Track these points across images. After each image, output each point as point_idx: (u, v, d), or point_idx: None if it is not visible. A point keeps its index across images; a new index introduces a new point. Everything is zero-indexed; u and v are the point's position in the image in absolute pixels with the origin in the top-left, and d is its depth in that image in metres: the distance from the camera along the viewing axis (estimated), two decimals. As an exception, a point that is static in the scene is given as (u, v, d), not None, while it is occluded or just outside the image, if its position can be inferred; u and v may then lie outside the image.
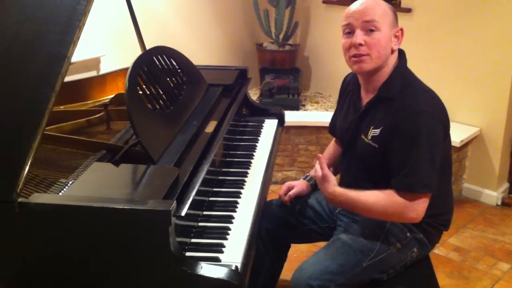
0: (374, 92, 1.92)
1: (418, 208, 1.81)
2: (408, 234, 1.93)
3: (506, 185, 3.66)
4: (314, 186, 2.24)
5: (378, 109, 1.90)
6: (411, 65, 1.94)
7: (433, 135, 1.79)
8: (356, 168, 2.00)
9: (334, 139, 2.28)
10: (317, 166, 1.93)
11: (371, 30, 1.83)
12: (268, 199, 2.21)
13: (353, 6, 1.87)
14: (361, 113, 1.95)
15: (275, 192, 3.57)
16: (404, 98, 1.83)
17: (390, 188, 1.82)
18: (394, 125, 1.82)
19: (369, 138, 1.89)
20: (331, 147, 2.29)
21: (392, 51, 1.88)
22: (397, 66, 1.90)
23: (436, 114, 1.83)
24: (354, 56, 1.85)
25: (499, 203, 3.56)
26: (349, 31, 1.86)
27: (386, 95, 1.88)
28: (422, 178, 1.78)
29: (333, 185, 1.89)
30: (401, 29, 1.89)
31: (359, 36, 1.83)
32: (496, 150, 3.52)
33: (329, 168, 2.13)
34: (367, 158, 1.92)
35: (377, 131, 1.87)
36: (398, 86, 1.87)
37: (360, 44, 1.83)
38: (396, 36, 1.88)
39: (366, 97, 1.96)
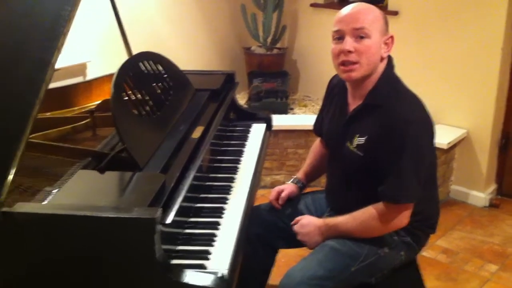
0: (361, 98, 1.91)
1: (403, 217, 1.86)
2: (395, 237, 1.93)
3: (493, 186, 3.68)
4: (302, 188, 2.25)
5: (364, 116, 1.89)
6: (398, 67, 1.94)
7: (418, 146, 1.80)
8: (342, 173, 2.00)
9: (318, 139, 2.28)
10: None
11: (361, 37, 1.81)
12: (258, 203, 2.21)
13: (344, 11, 1.86)
14: (347, 120, 1.95)
15: (265, 196, 3.57)
16: (391, 107, 1.82)
17: (373, 199, 1.85)
18: (380, 135, 1.82)
19: (354, 146, 1.89)
20: (316, 147, 2.28)
21: (382, 59, 1.88)
22: (384, 72, 1.89)
23: (422, 124, 1.83)
24: (343, 63, 1.84)
25: (487, 204, 3.58)
26: (339, 37, 1.85)
27: (373, 102, 1.87)
28: (406, 189, 1.81)
29: (315, 219, 1.97)
30: (392, 37, 1.88)
31: (349, 43, 1.81)
32: (484, 152, 3.54)
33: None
34: (351, 165, 1.92)
35: (362, 139, 1.87)
36: (385, 93, 1.86)
37: (350, 51, 1.81)
38: (386, 43, 1.87)
39: (353, 103, 1.95)
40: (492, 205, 3.58)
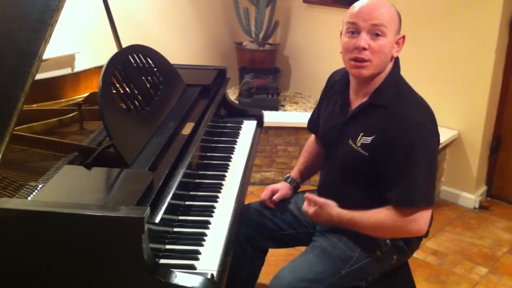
0: (365, 97, 1.85)
1: (421, 221, 1.76)
2: (388, 241, 1.89)
3: (483, 188, 3.67)
4: (296, 188, 2.20)
5: (368, 115, 1.84)
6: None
7: (429, 148, 1.76)
8: (339, 171, 1.94)
9: (313, 136, 2.23)
10: (306, 203, 1.90)
11: (377, 35, 1.75)
12: (247, 200, 2.17)
13: (362, 4, 1.77)
14: (349, 117, 1.89)
15: (254, 193, 3.54)
16: (398, 109, 1.78)
17: (386, 202, 1.78)
18: (389, 137, 1.76)
19: (359, 145, 1.83)
20: (311, 145, 2.23)
21: (392, 58, 1.83)
22: (390, 72, 1.84)
23: (431, 127, 1.79)
24: (355, 59, 1.78)
25: (477, 206, 3.56)
26: (354, 30, 1.78)
27: (378, 102, 1.82)
28: (421, 191, 1.74)
29: (336, 207, 1.85)
30: (403, 37, 1.83)
31: (365, 40, 1.75)
32: (474, 153, 3.52)
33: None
34: (352, 164, 1.87)
35: (369, 139, 1.81)
36: (390, 94, 1.81)
37: (364, 48, 1.75)
38: (397, 43, 1.82)
39: (355, 101, 1.90)
40: (482, 207, 3.56)
